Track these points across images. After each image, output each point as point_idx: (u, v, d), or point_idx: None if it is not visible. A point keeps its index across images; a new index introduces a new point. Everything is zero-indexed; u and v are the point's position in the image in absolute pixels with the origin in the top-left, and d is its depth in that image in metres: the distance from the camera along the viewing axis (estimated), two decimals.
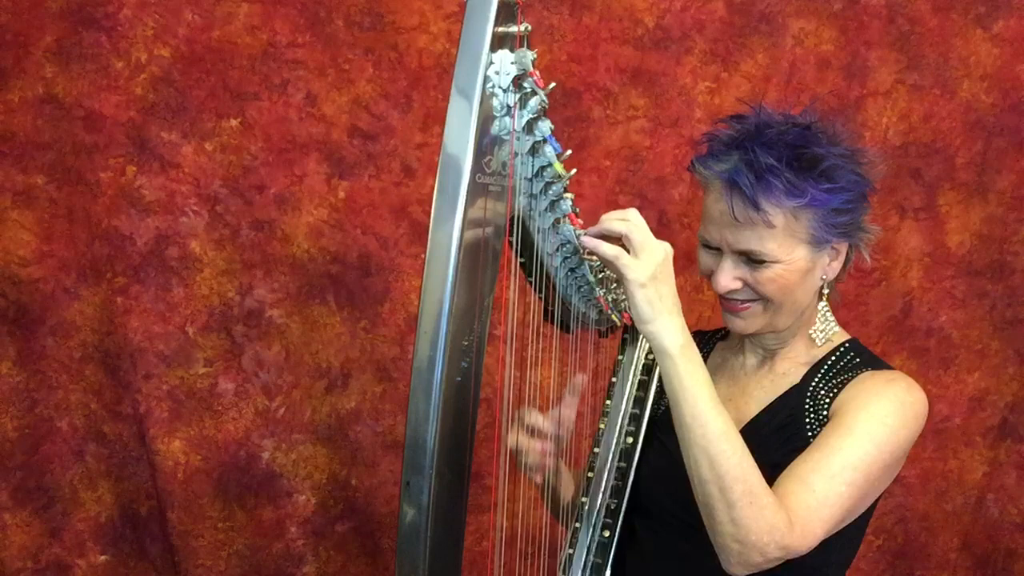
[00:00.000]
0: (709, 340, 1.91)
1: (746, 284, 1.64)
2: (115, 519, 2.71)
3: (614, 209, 2.65)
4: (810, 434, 1.64)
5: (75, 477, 2.68)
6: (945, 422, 2.75)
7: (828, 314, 1.70)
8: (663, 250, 1.50)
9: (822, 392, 1.67)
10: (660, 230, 2.66)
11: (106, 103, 2.57)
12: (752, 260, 1.62)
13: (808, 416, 1.66)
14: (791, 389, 1.70)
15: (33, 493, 2.67)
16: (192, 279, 2.65)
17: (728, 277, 1.64)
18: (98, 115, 2.58)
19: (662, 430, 1.81)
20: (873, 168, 1.67)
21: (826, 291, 1.69)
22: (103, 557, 2.71)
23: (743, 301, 1.66)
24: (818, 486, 1.53)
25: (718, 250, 1.65)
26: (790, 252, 1.61)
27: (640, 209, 2.71)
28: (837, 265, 1.68)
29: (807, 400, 1.67)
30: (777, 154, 1.58)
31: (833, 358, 1.70)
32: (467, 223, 1.26)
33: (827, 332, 1.71)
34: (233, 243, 2.66)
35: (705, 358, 1.85)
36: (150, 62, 2.58)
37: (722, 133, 1.65)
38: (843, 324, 1.76)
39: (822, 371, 1.69)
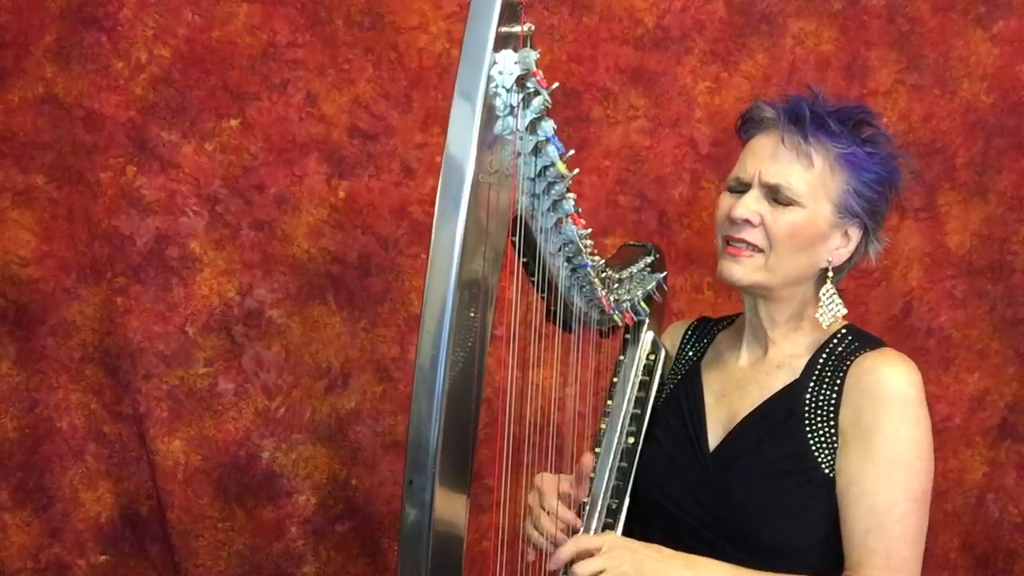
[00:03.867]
0: (711, 329, 1.92)
1: (762, 222, 1.66)
2: (115, 519, 2.71)
3: (613, 208, 2.67)
4: (809, 433, 1.65)
5: (75, 477, 2.68)
6: (945, 422, 2.75)
7: (835, 296, 1.71)
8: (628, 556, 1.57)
9: (825, 383, 1.67)
10: (660, 230, 2.68)
11: (106, 103, 2.57)
12: (777, 199, 1.65)
13: (808, 413, 1.66)
14: (789, 385, 1.70)
15: (33, 493, 2.66)
16: (192, 279, 2.65)
17: (748, 208, 1.66)
18: (98, 115, 2.58)
19: (659, 427, 1.82)
20: (904, 171, 1.74)
21: (830, 275, 1.70)
22: (103, 557, 2.71)
23: (749, 247, 1.67)
24: (879, 546, 1.59)
25: (742, 193, 1.68)
26: (815, 202, 1.66)
27: (640, 209, 2.76)
28: (844, 253, 1.70)
29: (808, 395, 1.68)
30: (836, 112, 1.69)
31: (831, 346, 1.71)
32: (469, 223, 1.26)
33: (834, 313, 1.71)
34: (233, 243, 2.65)
35: (705, 348, 1.88)
36: (150, 62, 2.58)
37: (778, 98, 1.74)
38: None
39: (821, 360, 1.70)
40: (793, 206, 1.65)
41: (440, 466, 1.29)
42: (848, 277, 1.77)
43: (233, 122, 2.63)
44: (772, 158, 1.66)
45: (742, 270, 1.69)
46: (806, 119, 1.65)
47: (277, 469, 2.72)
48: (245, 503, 2.72)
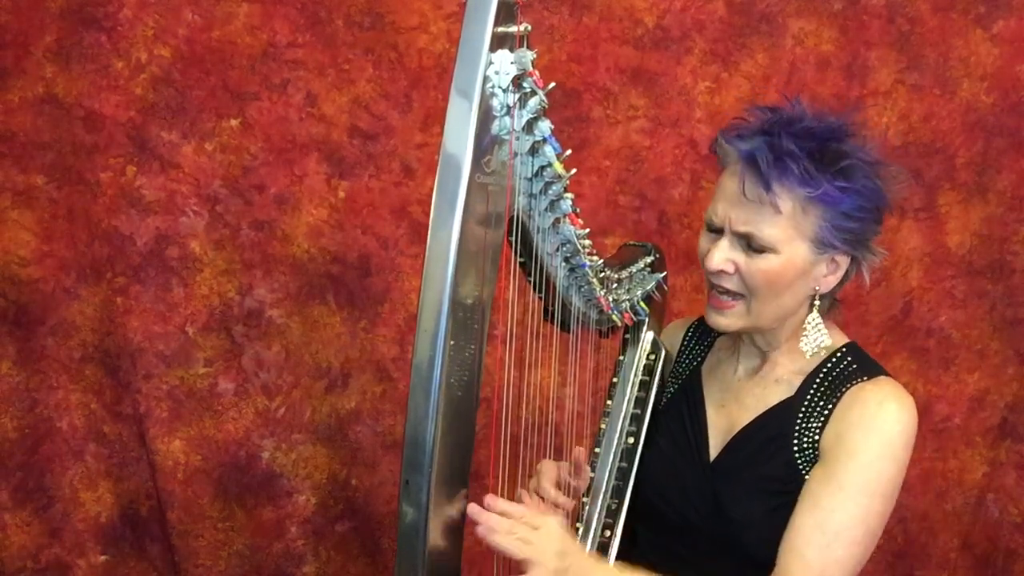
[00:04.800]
0: (711, 331, 1.89)
1: (737, 270, 1.62)
2: (115, 519, 2.71)
3: (613, 208, 2.66)
4: (796, 453, 1.64)
5: (75, 477, 2.68)
6: (945, 422, 2.75)
7: (820, 326, 1.66)
8: (553, 538, 1.46)
9: (818, 405, 1.65)
10: (660, 230, 2.68)
11: (106, 103, 2.57)
12: (751, 246, 1.60)
13: (797, 432, 1.65)
14: (784, 402, 1.68)
15: (33, 493, 2.67)
16: (192, 279, 2.65)
17: (721, 257, 1.61)
18: (98, 115, 2.58)
19: (660, 432, 1.82)
20: (892, 186, 1.64)
21: (817, 303, 1.66)
22: (103, 557, 2.71)
23: (729, 296, 1.64)
24: (816, 560, 1.55)
25: (720, 232, 1.63)
26: (790, 245, 1.59)
27: (640, 209, 2.76)
28: (833, 280, 1.65)
29: (799, 416, 1.66)
30: (801, 143, 1.57)
31: (828, 366, 1.68)
32: (467, 223, 1.26)
33: (818, 343, 1.66)
34: (233, 243, 2.65)
35: (704, 352, 1.87)
36: (150, 62, 2.58)
37: (753, 117, 1.64)
38: (843, 324, 1.75)
39: (817, 381, 1.67)
40: (766, 252, 1.59)
41: (437, 466, 1.29)
42: None
43: (233, 122, 2.63)
44: (739, 206, 1.59)
45: (726, 321, 1.66)
46: (765, 164, 1.55)
47: (277, 469, 2.72)
48: (245, 503, 2.72)
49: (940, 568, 2.81)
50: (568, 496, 1.74)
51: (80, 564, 2.70)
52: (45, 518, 2.67)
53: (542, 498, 1.72)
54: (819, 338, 1.66)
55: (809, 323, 1.66)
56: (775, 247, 1.59)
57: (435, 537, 1.31)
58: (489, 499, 1.44)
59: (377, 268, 2.69)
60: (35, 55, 2.56)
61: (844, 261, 1.64)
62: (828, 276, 1.65)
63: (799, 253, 1.60)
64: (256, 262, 2.67)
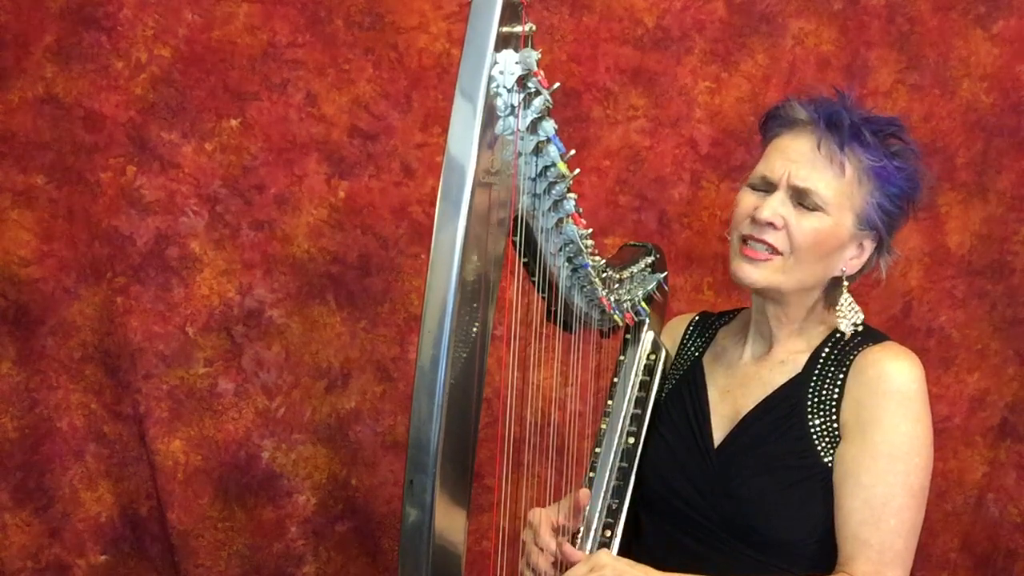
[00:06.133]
0: (712, 325, 1.92)
1: (785, 226, 1.65)
2: (115, 519, 2.71)
3: (613, 208, 2.67)
4: (811, 426, 1.66)
5: (75, 477, 2.68)
6: (945, 422, 2.75)
7: (854, 304, 1.71)
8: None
9: (828, 375, 1.69)
10: (660, 230, 2.68)
11: (106, 103, 2.57)
12: (803, 204, 1.65)
13: (810, 405, 1.67)
14: (791, 380, 1.72)
15: (33, 493, 2.66)
16: (192, 279, 2.65)
17: (772, 210, 1.66)
18: (98, 115, 2.57)
19: (662, 422, 1.83)
20: (925, 186, 1.75)
21: (846, 283, 1.71)
22: (103, 557, 2.71)
23: (767, 249, 1.67)
24: (873, 538, 1.59)
25: (768, 190, 1.68)
26: (840, 211, 1.66)
27: (640, 209, 2.75)
28: (857, 264, 1.72)
29: (810, 389, 1.69)
30: (868, 122, 1.68)
31: (833, 340, 1.73)
32: (470, 224, 1.26)
33: (853, 320, 1.71)
34: (233, 243, 2.65)
35: (706, 344, 1.89)
36: (150, 62, 2.58)
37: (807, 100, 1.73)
38: None
39: (824, 354, 1.71)
40: (818, 212, 1.65)
41: (441, 466, 1.29)
42: None
43: (233, 122, 2.63)
44: (803, 162, 1.66)
45: (758, 273, 1.69)
46: (844, 127, 1.65)
47: (277, 469, 2.72)
48: (245, 503, 2.72)
49: (940, 568, 2.81)
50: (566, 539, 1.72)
51: (80, 564, 2.70)
52: (45, 518, 2.67)
53: (541, 549, 1.69)
54: (854, 315, 1.71)
55: (844, 302, 1.71)
56: (827, 208, 1.66)
57: (439, 538, 1.31)
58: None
59: (377, 268, 2.69)
60: (35, 55, 2.56)
61: (869, 248, 1.72)
62: (853, 259, 1.71)
63: (844, 222, 1.67)
64: (256, 262, 2.66)
